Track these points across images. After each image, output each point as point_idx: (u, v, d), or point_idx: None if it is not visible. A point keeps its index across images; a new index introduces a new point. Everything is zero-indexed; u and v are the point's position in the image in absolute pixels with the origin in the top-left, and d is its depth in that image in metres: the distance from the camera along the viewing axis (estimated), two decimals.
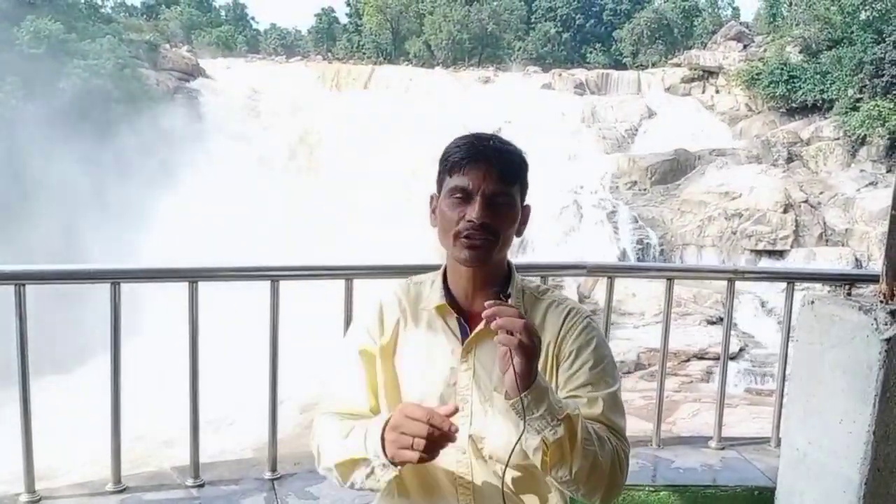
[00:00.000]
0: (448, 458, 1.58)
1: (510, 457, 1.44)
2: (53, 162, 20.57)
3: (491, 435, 1.56)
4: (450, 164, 1.53)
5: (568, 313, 1.60)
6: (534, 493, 1.61)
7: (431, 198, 1.62)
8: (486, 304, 1.33)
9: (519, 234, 1.59)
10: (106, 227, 19.07)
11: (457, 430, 1.34)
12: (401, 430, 1.35)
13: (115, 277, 2.50)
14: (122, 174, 20.95)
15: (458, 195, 1.51)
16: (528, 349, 1.30)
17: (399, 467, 1.42)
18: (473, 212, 1.49)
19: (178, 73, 28.57)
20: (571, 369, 1.55)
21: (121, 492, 2.58)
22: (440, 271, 1.66)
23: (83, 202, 20.03)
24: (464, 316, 1.60)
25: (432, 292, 1.63)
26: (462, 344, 1.58)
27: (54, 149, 20.79)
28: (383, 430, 1.39)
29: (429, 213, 1.62)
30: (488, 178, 1.50)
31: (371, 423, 1.48)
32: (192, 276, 2.58)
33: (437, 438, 1.32)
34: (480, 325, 1.53)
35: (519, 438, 1.39)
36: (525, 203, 1.60)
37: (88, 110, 22.41)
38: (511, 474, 1.55)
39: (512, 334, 1.30)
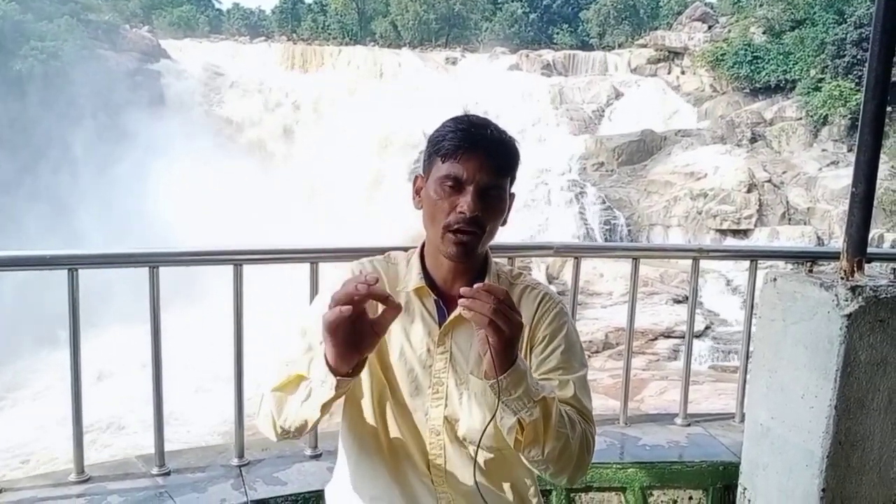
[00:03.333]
0: (422, 440, 1.60)
1: (482, 434, 1.46)
2: (6, 147, 20.06)
3: (465, 417, 1.57)
4: (443, 149, 1.48)
5: (542, 299, 1.61)
6: (506, 474, 1.63)
7: (416, 178, 1.58)
8: (462, 290, 1.30)
9: (504, 223, 1.57)
10: (60, 213, 18.67)
11: (376, 281, 1.26)
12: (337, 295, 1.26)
13: (72, 263, 2.43)
14: (80, 158, 20.49)
15: (449, 184, 1.48)
16: (503, 331, 1.28)
17: (336, 380, 1.33)
18: (465, 203, 1.46)
19: (139, 55, 27.96)
20: (544, 353, 1.56)
21: (84, 482, 2.52)
22: (416, 251, 1.63)
23: (39, 187, 19.57)
24: (442, 298, 1.59)
25: (409, 273, 1.61)
26: (439, 327, 1.57)
27: (11, 132, 20.27)
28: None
29: (412, 193, 1.58)
30: (483, 170, 1.47)
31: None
32: (153, 261, 2.52)
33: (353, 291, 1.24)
34: (458, 309, 1.52)
35: (492, 417, 1.39)
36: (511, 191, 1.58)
37: (45, 93, 21.84)
38: (484, 456, 1.57)
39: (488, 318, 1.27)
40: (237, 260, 2.58)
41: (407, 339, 1.58)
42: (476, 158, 1.47)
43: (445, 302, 1.59)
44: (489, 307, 1.27)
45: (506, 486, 1.63)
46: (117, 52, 27.02)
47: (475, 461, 1.53)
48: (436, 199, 1.50)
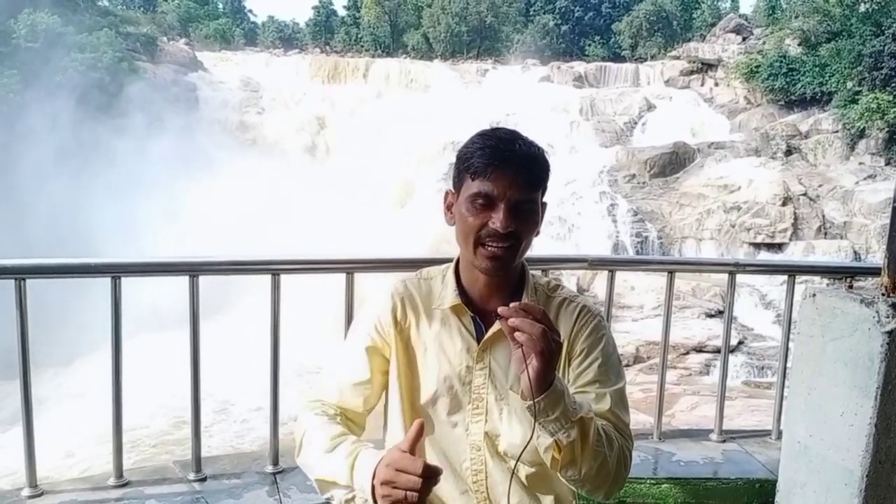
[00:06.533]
0: (463, 456, 1.60)
1: (519, 456, 1.46)
2: (50, 156, 20.51)
3: (506, 432, 1.57)
4: (473, 167, 1.48)
5: (580, 312, 1.61)
6: (548, 488, 1.62)
7: (447, 193, 1.59)
8: (500, 310, 1.31)
9: (537, 233, 1.57)
10: (104, 222, 19.01)
11: (440, 473, 1.33)
12: (393, 486, 1.32)
13: (116, 271, 2.50)
14: (121, 168, 20.88)
15: (480, 201, 1.48)
16: (547, 354, 1.29)
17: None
18: (498, 220, 1.46)
19: (176, 66, 28.48)
20: (581, 367, 1.56)
21: (123, 486, 2.58)
22: (451, 267, 1.63)
23: (80, 196, 19.94)
24: (478, 314, 1.59)
25: (445, 290, 1.61)
26: (478, 343, 1.57)
27: (52, 143, 20.74)
28: (373, 475, 1.37)
29: (443, 209, 1.59)
30: (514, 186, 1.47)
31: (361, 452, 1.45)
32: (193, 270, 2.57)
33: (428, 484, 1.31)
34: (496, 325, 1.53)
35: (529, 441, 1.39)
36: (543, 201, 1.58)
37: (86, 104, 22.32)
38: (526, 471, 1.57)
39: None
40: (275, 269, 2.62)
41: (445, 356, 1.59)
42: (506, 175, 1.47)
43: (482, 318, 1.59)
44: (538, 329, 1.27)
45: (547, 499, 1.62)
46: (155, 64, 27.55)
47: (516, 476, 1.54)
48: (468, 217, 1.50)
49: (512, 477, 1.53)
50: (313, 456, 1.53)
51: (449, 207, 1.58)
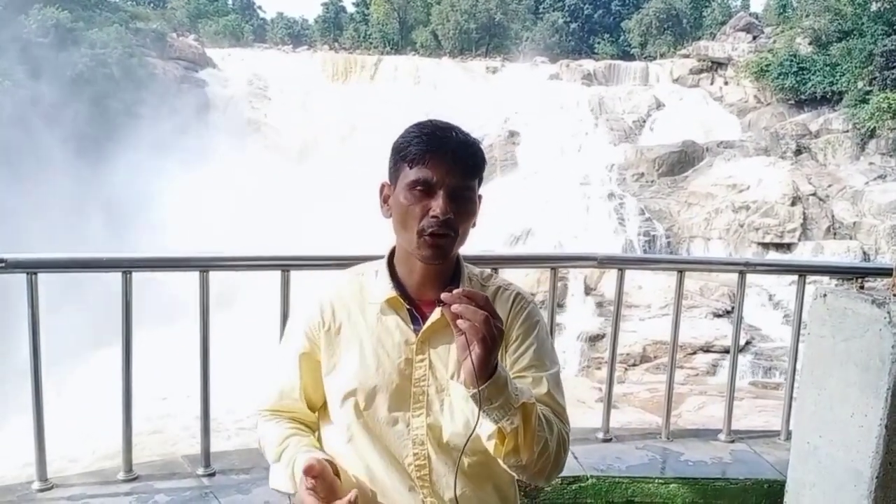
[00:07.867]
0: (406, 451, 1.57)
1: (464, 448, 1.46)
2: (60, 151, 20.60)
3: (447, 423, 1.56)
4: (410, 155, 1.50)
5: (514, 299, 1.63)
6: (489, 476, 1.61)
7: (382, 186, 1.59)
8: (444, 296, 1.31)
9: (474, 224, 1.57)
10: (112, 217, 19.10)
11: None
12: None
13: (127, 266, 2.51)
14: (129, 164, 20.95)
15: (419, 188, 1.48)
16: (489, 342, 1.29)
17: None
18: (438, 206, 1.46)
19: (185, 63, 28.54)
20: (518, 352, 1.57)
21: (132, 480, 2.59)
22: (384, 261, 1.62)
23: (88, 191, 20.02)
24: (414, 306, 1.58)
25: (379, 284, 1.59)
26: (416, 335, 1.56)
27: (61, 138, 20.82)
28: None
29: (380, 202, 1.59)
30: (452, 172, 1.48)
31: (297, 459, 1.52)
32: (203, 266, 2.59)
33: None
34: (434, 316, 1.53)
35: (473, 430, 1.40)
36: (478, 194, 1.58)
37: (95, 99, 22.40)
38: (468, 460, 1.56)
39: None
40: (285, 265, 2.63)
41: (384, 350, 1.57)
42: (444, 162, 1.47)
43: (418, 310, 1.58)
44: (480, 316, 1.28)
45: (489, 487, 1.62)
46: (164, 60, 27.60)
47: (457, 466, 1.52)
48: (407, 205, 1.49)
49: (457, 469, 1.51)
50: (271, 465, 1.62)
51: (385, 200, 1.57)
